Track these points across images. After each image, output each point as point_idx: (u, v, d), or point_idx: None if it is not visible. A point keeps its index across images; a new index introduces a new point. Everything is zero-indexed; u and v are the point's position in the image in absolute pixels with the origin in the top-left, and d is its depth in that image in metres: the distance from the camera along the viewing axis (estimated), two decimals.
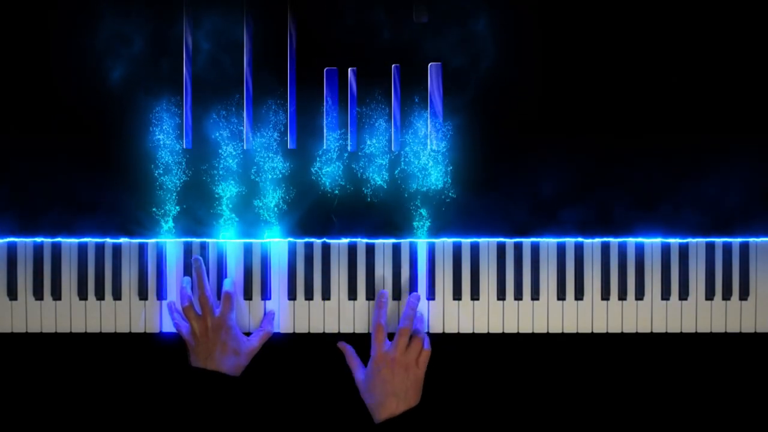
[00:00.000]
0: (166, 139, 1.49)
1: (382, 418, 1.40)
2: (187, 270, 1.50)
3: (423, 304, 1.51)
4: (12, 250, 1.49)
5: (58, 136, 1.48)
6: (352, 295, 1.51)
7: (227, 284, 1.48)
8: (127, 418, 1.55)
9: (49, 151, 1.48)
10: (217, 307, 1.46)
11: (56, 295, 1.50)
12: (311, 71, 1.48)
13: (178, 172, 1.50)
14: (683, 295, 1.51)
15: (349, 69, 1.49)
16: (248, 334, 1.50)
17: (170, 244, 1.50)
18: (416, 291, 1.51)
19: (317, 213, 1.50)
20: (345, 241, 1.51)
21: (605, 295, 1.51)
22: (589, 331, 1.52)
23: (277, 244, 1.51)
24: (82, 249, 1.50)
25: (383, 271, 1.51)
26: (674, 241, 1.51)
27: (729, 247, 1.51)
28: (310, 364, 1.56)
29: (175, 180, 1.49)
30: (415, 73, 1.49)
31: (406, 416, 1.40)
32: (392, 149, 1.50)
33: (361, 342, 1.51)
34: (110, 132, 1.49)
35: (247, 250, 1.51)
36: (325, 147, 1.50)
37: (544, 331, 1.52)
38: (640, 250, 1.51)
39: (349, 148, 1.50)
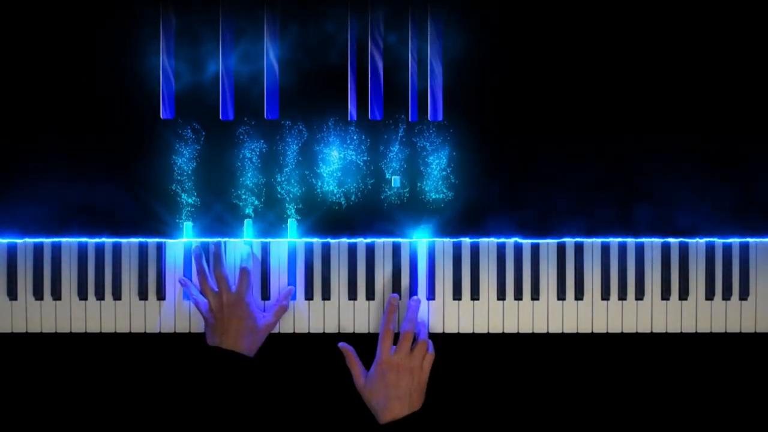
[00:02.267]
0: (166, 138, 1.49)
1: (386, 420, 1.40)
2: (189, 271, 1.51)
3: (423, 304, 1.51)
4: (12, 250, 1.49)
5: (58, 135, 1.48)
6: (352, 295, 1.51)
7: (244, 259, 1.47)
8: (127, 418, 1.55)
9: (49, 150, 1.48)
10: (233, 284, 1.46)
11: (56, 295, 1.50)
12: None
13: (179, 172, 1.49)
14: (683, 295, 1.51)
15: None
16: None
17: (170, 244, 1.50)
18: (416, 291, 1.51)
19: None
20: (345, 240, 1.51)
21: (605, 295, 1.51)
22: (589, 331, 1.52)
23: (277, 244, 1.51)
24: (82, 249, 1.50)
25: (383, 271, 1.51)
26: (674, 241, 1.51)
27: (729, 247, 1.51)
28: (310, 364, 1.56)
29: (176, 179, 1.49)
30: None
31: (410, 419, 1.40)
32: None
33: (361, 342, 1.51)
34: (110, 131, 1.49)
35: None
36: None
37: (544, 331, 1.52)
38: (640, 250, 1.51)
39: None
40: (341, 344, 1.49)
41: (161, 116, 1.49)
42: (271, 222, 1.50)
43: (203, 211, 1.50)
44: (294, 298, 1.51)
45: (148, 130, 1.49)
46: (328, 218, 1.50)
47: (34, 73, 1.48)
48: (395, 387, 1.41)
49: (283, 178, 1.49)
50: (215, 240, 1.49)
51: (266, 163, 1.49)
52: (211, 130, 1.49)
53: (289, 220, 1.49)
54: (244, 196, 1.50)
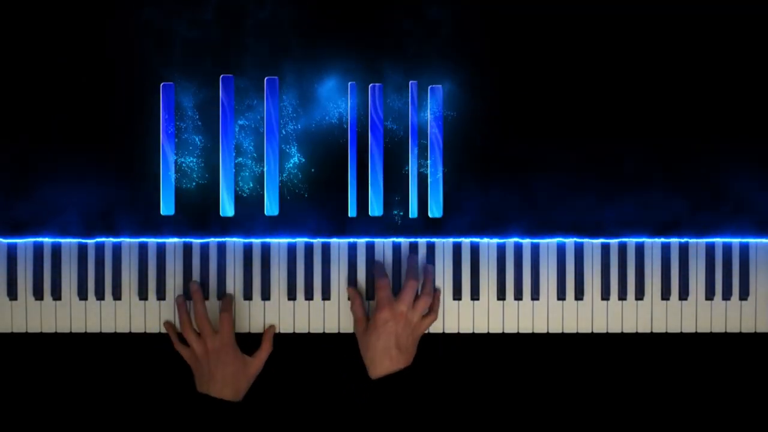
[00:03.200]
0: (167, 137, 1.49)
1: (378, 372, 1.39)
2: (187, 276, 1.51)
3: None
4: (12, 250, 1.49)
5: (58, 135, 1.48)
6: None
7: (224, 304, 1.46)
8: (127, 418, 1.55)
9: (49, 150, 1.48)
10: (216, 331, 1.44)
11: (56, 295, 1.50)
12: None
13: (179, 171, 1.50)
14: (683, 295, 1.51)
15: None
16: (248, 334, 1.50)
17: (170, 243, 1.51)
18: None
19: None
20: (345, 240, 1.51)
21: (605, 295, 1.51)
22: (589, 331, 1.52)
23: (277, 243, 1.51)
24: (82, 249, 1.50)
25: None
26: (674, 241, 1.51)
27: (729, 247, 1.51)
28: (310, 364, 1.56)
29: (176, 179, 1.49)
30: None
31: (402, 374, 1.39)
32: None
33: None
34: (111, 130, 1.49)
35: (247, 250, 1.51)
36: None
37: (544, 331, 1.52)
38: (640, 250, 1.51)
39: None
40: (351, 288, 1.48)
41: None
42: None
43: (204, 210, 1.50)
44: (276, 329, 1.51)
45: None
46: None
47: (33, 73, 1.48)
48: (394, 335, 1.39)
49: None
50: (215, 240, 1.49)
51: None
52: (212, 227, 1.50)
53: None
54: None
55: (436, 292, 1.49)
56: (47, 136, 1.47)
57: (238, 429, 1.40)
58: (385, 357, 1.39)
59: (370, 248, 1.51)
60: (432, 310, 1.46)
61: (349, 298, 1.49)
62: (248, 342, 1.49)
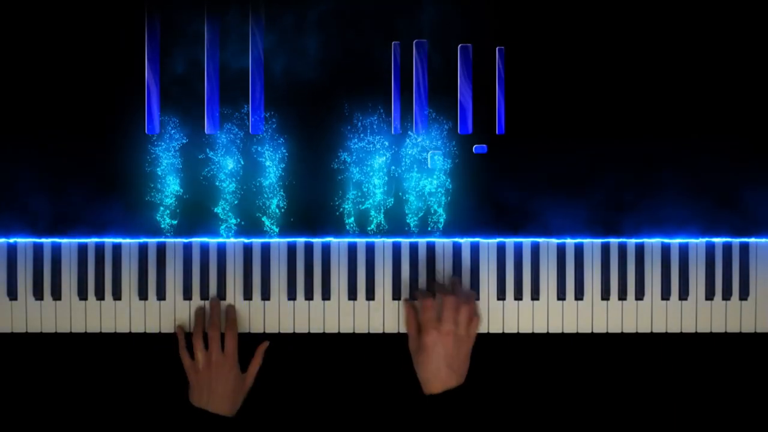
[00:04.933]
0: (167, 137, 1.49)
1: (432, 391, 1.40)
2: (188, 276, 1.51)
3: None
4: (12, 250, 1.49)
5: (58, 135, 1.48)
6: (352, 295, 1.51)
7: (230, 324, 1.47)
8: (126, 419, 1.55)
9: (49, 150, 1.48)
10: (221, 346, 1.46)
11: (56, 295, 1.50)
12: None
13: (179, 172, 1.50)
14: (683, 295, 1.51)
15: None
16: (248, 334, 1.50)
17: (170, 244, 1.50)
18: (417, 291, 1.51)
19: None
20: (345, 240, 1.51)
21: (605, 295, 1.51)
22: (589, 331, 1.52)
23: (277, 243, 1.51)
24: (82, 249, 1.50)
25: (383, 271, 1.51)
26: (674, 241, 1.51)
27: (729, 247, 1.51)
28: (310, 364, 1.56)
29: (176, 179, 1.49)
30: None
31: (456, 393, 1.39)
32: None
33: (361, 342, 1.51)
34: (111, 131, 1.49)
35: (247, 250, 1.51)
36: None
37: (544, 331, 1.52)
38: (640, 250, 1.51)
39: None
40: (406, 302, 1.48)
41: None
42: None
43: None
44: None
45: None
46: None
47: (33, 74, 1.48)
48: (444, 356, 1.40)
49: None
50: (215, 240, 1.50)
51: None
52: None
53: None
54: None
55: (471, 296, 1.48)
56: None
57: None
58: (437, 378, 1.40)
59: (370, 248, 1.51)
60: (473, 315, 1.45)
61: (404, 313, 1.49)
62: (249, 342, 1.49)
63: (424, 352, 1.41)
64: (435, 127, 1.49)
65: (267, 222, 1.49)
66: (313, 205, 1.50)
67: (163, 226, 1.49)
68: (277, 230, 1.49)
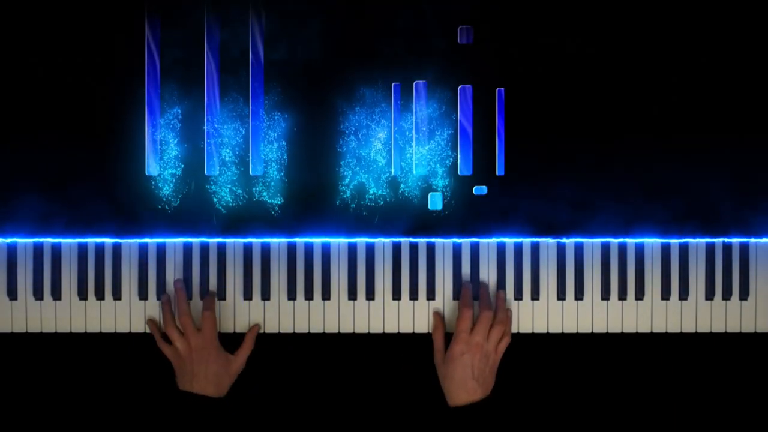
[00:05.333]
0: (166, 137, 1.49)
1: (456, 403, 1.40)
2: (188, 276, 1.51)
3: (423, 304, 1.51)
4: (12, 250, 1.49)
5: (59, 135, 1.48)
6: (352, 295, 1.51)
7: (207, 304, 1.46)
8: (127, 418, 1.55)
9: (49, 151, 1.48)
10: (199, 329, 1.45)
11: (56, 295, 1.50)
12: None
13: (178, 172, 1.50)
14: (683, 295, 1.51)
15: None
16: (244, 335, 1.50)
17: (170, 243, 1.50)
18: (417, 291, 1.51)
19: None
20: (345, 240, 1.51)
21: (605, 295, 1.51)
22: (589, 331, 1.52)
23: (277, 243, 1.51)
24: (82, 249, 1.50)
25: (383, 271, 1.51)
26: (674, 241, 1.51)
27: (729, 247, 1.51)
28: (310, 364, 1.56)
29: (175, 180, 1.49)
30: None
31: (483, 404, 1.40)
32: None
33: (362, 343, 1.51)
34: (111, 131, 1.49)
35: (248, 250, 1.51)
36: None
37: (544, 331, 1.52)
38: (640, 250, 1.51)
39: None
40: (436, 314, 1.49)
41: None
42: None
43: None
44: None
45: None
46: None
47: (33, 74, 1.48)
48: (471, 368, 1.40)
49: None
50: (215, 240, 1.50)
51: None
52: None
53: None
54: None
55: (508, 315, 1.49)
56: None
57: (221, 424, 1.41)
58: (462, 389, 1.40)
59: (370, 248, 1.51)
60: (505, 334, 1.46)
61: (433, 325, 1.50)
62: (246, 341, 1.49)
63: (451, 362, 1.42)
64: (434, 167, 1.49)
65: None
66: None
67: (163, 225, 1.50)
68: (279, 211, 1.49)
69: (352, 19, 1.47)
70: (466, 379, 1.40)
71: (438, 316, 1.49)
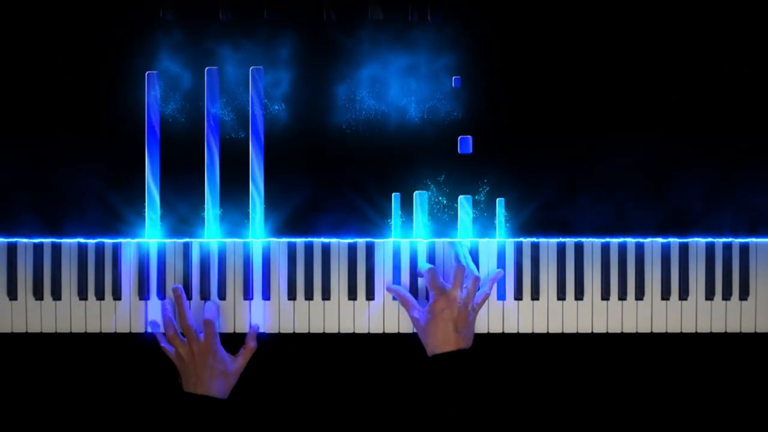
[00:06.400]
0: (166, 137, 1.49)
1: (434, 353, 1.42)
2: (188, 276, 1.51)
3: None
4: (12, 250, 1.49)
5: (59, 135, 1.48)
6: (352, 295, 1.51)
7: (207, 310, 1.47)
8: (127, 418, 1.55)
9: (49, 150, 1.48)
10: (200, 332, 1.46)
11: (56, 295, 1.50)
12: None
13: (178, 172, 1.50)
14: (683, 295, 1.51)
15: None
16: (244, 335, 1.50)
17: (170, 244, 1.50)
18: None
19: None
20: (345, 240, 1.51)
21: (605, 295, 1.51)
22: (589, 331, 1.52)
23: (277, 243, 1.51)
24: (82, 249, 1.50)
25: (383, 271, 1.51)
26: (674, 241, 1.51)
27: (729, 247, 1.51)
28: (310, 364, 1.56)
29: (176, 180, 1.49)
30: None
31: (458, 354, 1.41)
32: None
33: (362, 343, 1.51)
34: (111, 130, 1.49)
35: (247, 250, 1.51)
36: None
37: (544, 331, 1.52)
38: (640, 250, 1.51)
39: None
40: (390, 287, 1.49)
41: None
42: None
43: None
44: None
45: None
46: None
47: (33, 74, 1.48)
48: (452, 321, 1.42)
49: None
50: (215, 240, 1.50)
51: None
52: None
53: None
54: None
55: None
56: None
57: (224, 425, 1.41)
58: (447, 342, 1.41)
59: (370, 248, 1.51)
60: (482, 285, 1.47)
61: (394, 298, 1.50)
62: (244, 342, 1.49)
63: (432, 318, 1.42)
64: None
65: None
66: None
67: (164, 224, 1.50)
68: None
69: None
70: (448, 331, 1.41)
71: (395, 287, 1.49)
